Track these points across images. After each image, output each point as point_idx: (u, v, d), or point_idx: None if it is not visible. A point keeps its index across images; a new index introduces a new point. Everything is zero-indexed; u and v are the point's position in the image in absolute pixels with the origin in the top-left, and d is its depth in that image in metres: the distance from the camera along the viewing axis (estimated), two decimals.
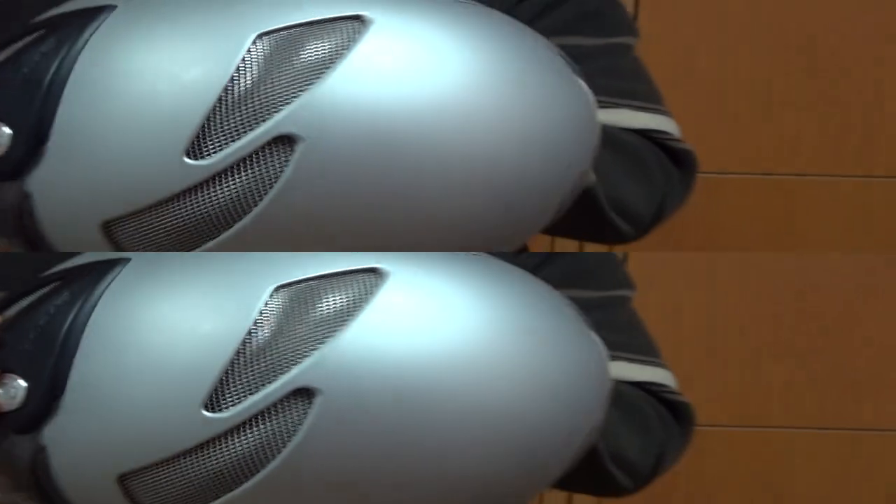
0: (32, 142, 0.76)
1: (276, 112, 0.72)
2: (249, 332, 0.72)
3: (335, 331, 0.72)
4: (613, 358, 1.05)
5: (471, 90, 0.76)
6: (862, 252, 1.74)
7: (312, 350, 0.71)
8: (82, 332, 0.78)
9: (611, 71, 1.10)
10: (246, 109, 0.72)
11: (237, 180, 0.73)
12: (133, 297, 0.76)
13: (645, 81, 1.10)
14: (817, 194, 1.77)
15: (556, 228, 0.99)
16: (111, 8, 0.76)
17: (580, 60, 1.06)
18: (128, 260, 0.77)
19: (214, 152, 0.71)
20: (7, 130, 0.77)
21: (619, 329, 1.11)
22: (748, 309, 1.74)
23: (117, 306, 0.77)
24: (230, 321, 0.73)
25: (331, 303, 0.73)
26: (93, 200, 0.76)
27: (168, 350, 0.73)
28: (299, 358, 0.71)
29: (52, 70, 0.76)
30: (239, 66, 0.71)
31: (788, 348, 1.73)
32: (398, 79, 0.74)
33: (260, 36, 0.73)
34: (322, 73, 0.72)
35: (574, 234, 1.11)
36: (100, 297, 0.78)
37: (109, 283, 0.78)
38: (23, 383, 0.81)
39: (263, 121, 0.72)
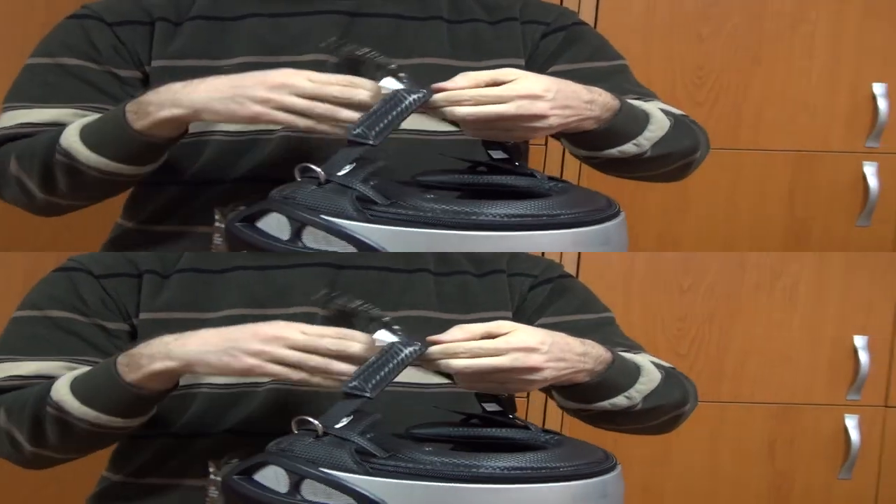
0: None
1: None
2: None
3: None
4: (642, 352, 1.40)
5: None
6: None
7: None
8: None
9: (630, 80, 1.46)
10: None
11: None
12: None
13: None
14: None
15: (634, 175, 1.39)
16: None
17: (606, 77, 1.39)
18: None
19: None
20: None
21: (626, 336, 1.44)
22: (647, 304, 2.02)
23: None
24: None
25: None
26: None
27: None
28: None
29: None
30: None
31: (678, 339, 2.04)
32: None
33: None
34: None
35: (650, 179, 1.42)
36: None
37: None
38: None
39: None
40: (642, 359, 1.36)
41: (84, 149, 1.27)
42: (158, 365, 1.19)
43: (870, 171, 2.04)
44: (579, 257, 1.99)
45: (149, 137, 1.25)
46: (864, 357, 2.02)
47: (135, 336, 1.34)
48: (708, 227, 2.07)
